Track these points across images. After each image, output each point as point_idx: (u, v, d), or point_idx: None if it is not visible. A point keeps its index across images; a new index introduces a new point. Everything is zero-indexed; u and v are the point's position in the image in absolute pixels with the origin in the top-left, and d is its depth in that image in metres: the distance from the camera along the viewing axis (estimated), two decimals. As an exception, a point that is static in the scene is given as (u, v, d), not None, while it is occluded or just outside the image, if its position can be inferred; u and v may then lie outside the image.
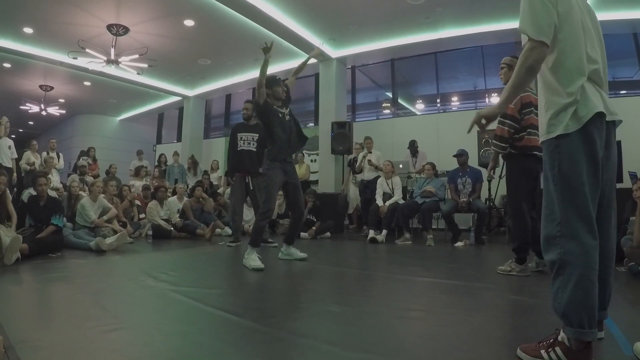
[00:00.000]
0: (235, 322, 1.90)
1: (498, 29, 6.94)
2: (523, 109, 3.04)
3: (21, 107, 11.51)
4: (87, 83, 10.62)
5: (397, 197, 5.76)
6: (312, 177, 8.50)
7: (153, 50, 7.99)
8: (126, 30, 7.27)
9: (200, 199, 6.50)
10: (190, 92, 11.21)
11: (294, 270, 3.48)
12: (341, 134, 7.83)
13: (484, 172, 5.67)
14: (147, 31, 7.42)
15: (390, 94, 9.26)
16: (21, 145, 7.42)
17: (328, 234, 6.18)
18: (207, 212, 6.53)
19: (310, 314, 2.10)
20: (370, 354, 1.50)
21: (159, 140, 13.38)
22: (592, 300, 1.33)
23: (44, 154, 7.43)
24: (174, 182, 8.21)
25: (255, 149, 4.81)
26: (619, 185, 1.62)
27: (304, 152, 9.10)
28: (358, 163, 6.76)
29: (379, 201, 5.76)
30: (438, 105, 8.95)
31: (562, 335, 1.40)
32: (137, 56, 7.75)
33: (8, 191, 4.26)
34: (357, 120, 9.27)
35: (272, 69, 9.05)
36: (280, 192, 4.06)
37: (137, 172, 8.23)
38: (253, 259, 3.35)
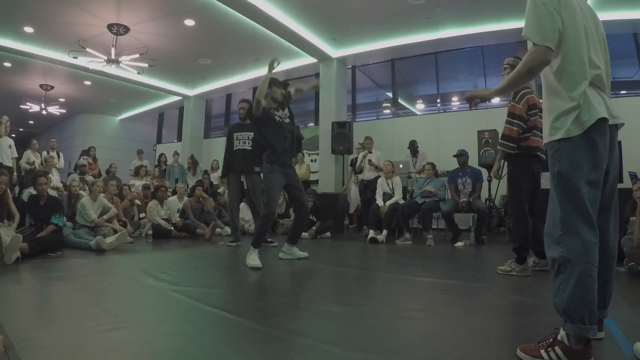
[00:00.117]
0: (235, 322, 1.90)
1: (498, 29, 6.94)
2: (529, 110, 3.09)
3: (21, 106, 11.51)
4: (87, 82, 10.62)
5: (397, 197, 5.76)
6: (312, 177, 8.51)
7: (153, 50, 7.99)
8: (126, 29, 7.27)
9: (201, 199, 6.50)
10: (191, 92, 11.21)
11: (294, 270, 3.48)
12: (341, 133, 7.83)
13: (484, 172, 5.68)
14: (148, 31, 7.42)
15: (390, 94, 9.26)
16: (21, 144, 7.43)
17: (328, 233, 6.18)
18: (207, 212, 6.53)
19: (310, 313, 2.10)
20: (370, 353, 1.50)
21: (159, 140, 13.38)
22: (593, 296, 1.36)
23: (44, 153, 7.43)
24: (174, 181, 8.21)
25: (250, 148, 4.80)
26: (619, 186, 1.63)
27: (304, 152, 9.10)
28: (358, 163, 6.77)
29: (379, 201, 5.76)
30: (438, 105, 8.95)
31: (561, 334, 1.41)
32: (137, 56, 7.75)
33: (9, 191, 4.26)
34: (357, 120, 9.27)
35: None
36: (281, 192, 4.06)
37: (137, 172, 8.23)
38: (252, 258, 3.37)
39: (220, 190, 7.44)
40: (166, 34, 7.56)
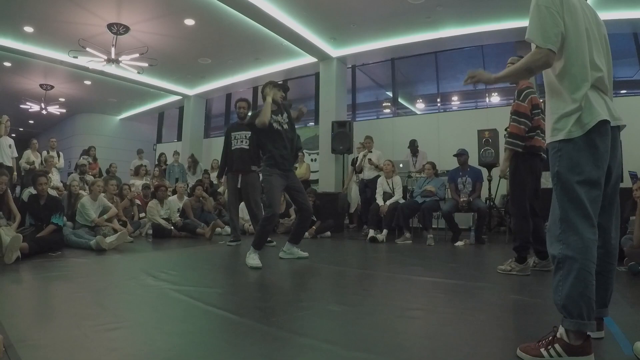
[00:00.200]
0: (235, 321, 1.90)
1: (498, 29, 6.93)
2: (533, 110, 3.09)
3: (21, 106, 11.51)
4: (87, 82, 10.62)
5: (398, 196, 5.76)
6: (313, 177, 8.50)
7: (153, 50, 7.99)
8: (127, 29, 7.27)
9: (201, 198, 6.50)
10: (191, 91, 11.21)
11: (294, 269, 3.48)
12: (341, 133, 7.83)
13: (484, 172, 5.68)
14: (148, 30, 7.42)
15: (390, 94, 9.26)
16: (21, 144, 7.43)
17: (328, 233, 6.18)
18: (207, 211, 6.54)
19: (311, 313, 2.10)
20: (370, 353, 1.50)
21: (159, 140, 13.37)
22: (591, 292, 1.39)
23: (44, 153, 7.43)
24: (175, 181, 8.21)
25: (247, 147, 4.79)
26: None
27: (304, 151, 9.10)
28: (358, 162, 6.77)
29: (379, 201, 5.76)
30: (438, 104, 8.94)
31: (560, 332, 1.43)
32: (137, 55, 7.75)
33: (9, 191, 4.26)
34: (357, 119, 9.26)
35: (271, 69, 9.16)
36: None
37: (137, 171, 8.23)
38: (252, 258, 3.37)
39: (220, 189, 7.44)
40: (166, 33, 7.56)
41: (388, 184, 5.87)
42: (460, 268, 3.61)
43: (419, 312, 2.15)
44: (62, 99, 12.01)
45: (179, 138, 12.08)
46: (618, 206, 1.61)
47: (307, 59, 8.55)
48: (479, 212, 5.18)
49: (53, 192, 5.03)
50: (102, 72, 9.09)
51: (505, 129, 5.78)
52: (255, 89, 10.50)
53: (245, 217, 6.31)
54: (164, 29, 7.41)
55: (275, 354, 1.51)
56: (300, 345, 1.60)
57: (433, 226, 5.55)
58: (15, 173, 6.63)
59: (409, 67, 9.14)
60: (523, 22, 6.09)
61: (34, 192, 4.38)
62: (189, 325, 1.85)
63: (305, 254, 3.87)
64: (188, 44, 8.00)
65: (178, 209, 6.25)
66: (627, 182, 4.53)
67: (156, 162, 9.61)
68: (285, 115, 3.75)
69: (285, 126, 3.71)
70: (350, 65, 9.17)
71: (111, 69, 8.47)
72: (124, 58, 7.78)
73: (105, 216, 5.00)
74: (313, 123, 9.63)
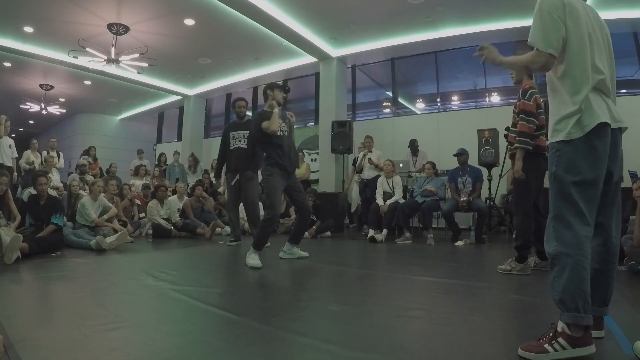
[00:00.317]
0: (235, 321, 1.90)
1: (498, 28, 6.93)
2: (537, 109, 3.09)
3: (21, 106, 11.50)
4: (87, 82, 10.61)
5: (398, 196, 5.76)
6: (312, 177, 8.50)
7: (153, 49, 7.98)
8: (126, 29, 7.26)
9: (201, 198, 6.50)
10: (191, 91, 11.20)
11: (294, 269, 3.48)
12: (341, 133, 7.83)
13: (484, 171, 5.68)
14: (148, 30, 7.42)
15: (390, 93, 9.25)
16: (21, 144, 7.42)
17: (328, 233, 6.18)
18: (207, 211, 6.53)
19: (310, 312, 2.10)
20: (370, 352, 1.50)
21: (159, 140, 13.37)
22: (586, 286, 1.44)
23: (44, 153, 7.43)
24: (175, 181, 8.21)
25: (245, 146, 4.78)
26: (619, 185, 1.67)
27: (304, 151, 9.10)
28: (358, 162, 6.77)
29: (379, 200, 5.76)
30: (438, 104, 8.94)
31: (561, 326, 1.45)
32: (137, 55, 7.74)
33: (9, 192, 4.25)
34: (357, 119, 9.26)
35: (271, 69, 9.17)
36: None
37: (137, 171, 8.23)
38: (252, 258, 3.37)
39: (220, 189, 7.45)
40: (166, 33, 7.55)
41: (388, 184, 5.87)
42: (460, 268, 3.62)
43: (419, 312, 2.15)
44: (62, 99, 12.00)
45: (179, 138, 12.07)
46: (619, 206, 1.65)
47: (307, 59, 8.55)
48: (479, 211, 5.18)
49: (53, 192, 5.03)
50: (102, 72, 9.08)
51: (505, 129, 5.82)
52: (255, 89, 10.50)
53: (245, 217, 6.31)
54: (164, 29, 7.41)
55: (275, 354, 1.51)
56: (300, 345, 1.60)
57: (433, 226, 5.55)
58: (15, 173, 6.63)
59: (409, 66, 9.13)
60: (523, 22, 6.09)
61: (34, 192, 4.38)
62: (189, 325, 1.85)
63: (305, 254, 3.87)
64: (188, 44, 8.00)
65: (178, 209, 6.25)
66: (627, 182, 4.53)
67: (156, 162, 9.61)
68: (286, 121, 3.77)
69: (286, 133, 3.74)
70: (350, 65, 9.16)
71: (111, 69, 8.46)
72: (123, 58, 7.77)
73: (105, 216, 5.00)
74: (313, 123, 9.63)
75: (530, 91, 3.10)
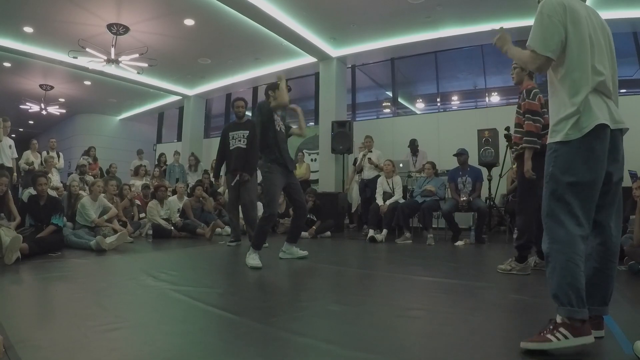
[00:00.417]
0: (235, 321, 1.90)
1: (498, 28, 6.92)
2: (542, 108, 3.09)
3: (21, 106, 11.50)
4: (87, 82, 10.61)
5: (398, 196, 5.76)
6: (312, 177, 8.50)
7: (153, 50, 7.99)
8: (126, 29, 7.26)
9: (201, 199, 6.50)
10: (191, 92, 11.20)
11: (294, 269, 3.48)
12: (341, 133, 7.83)
13: (484, 171, 5.68)
14: (147, 30, 7.42)
15: (390, 93, 9.25)
16: (21, 144, 7.42)
17: (328, 233, 6.18)
18: (207, 212, 6.53)
19: (311, 313, 2.10)
20: (370, 352, 1.50)
21: (159, 140, 13.37)
22: (579, 282, 1.48)
23: (44, 153, 7.42)
24: (175, 181, 8.21)
25: (245, 146, 4.78)
26: (617, 184, 1.68)
27: (304, 151, 9.11)
28: (358, 162, 6.77)
29: (379, 200, 5.76)
30: (438, 104, 8.94)
31: (560, 318, 1.49)
32: (137, 55, 7.75)
33: (10, 193, 4.25)
34: (357, 119, 9.26)
35: (271, 69, 9.16)
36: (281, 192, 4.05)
37: (137, 172, 8.23)
38: (252, 258, 3.37)
39: (220, 189, 7.45)
40: (166, 33, 7.55)
41: (388, 184, 5.87)
42: (460, 268, 3.62)
43: (419, 312, 2.15)
44: (62, 100, 12.01)
45: (179, 138, 12.07)
46: (620, 206, 1.67)
47: (307, 59, 8.55)
48: (479, 211, 5.18)
49: (53, 193, 5.03)
50: (101, 73, 9.09)
51: (505, 129, 5.82)
52: (255, 89, 10.50)
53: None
54: (163, 29, 7.41)
55: (275, 354, 1.51)
56: (300, 345, 1.60)
57: (433, 226, 5.55)
58: (15, 174, 6.63)
59: (409, 66, 9.14)
60: (523, 22, 6.08)
61: (34, 192, 4.37)
62: (189, 326, 1.85)
63: (305, 253, 3.87)
64: (188, 44, 8.00)
65: (178, 209, 6.25)
66: (627, 182, 4.52)
67: (156, 163, 9.61)
68: (285, 127, 3.85)
69: (283, 129, 3.78)
70: (350, 65, 9.17)
71: (111, 69, 8.46)
72: (123, 58, 7.77)
73: (105, 216, 4.99)
74: (313, 123, 9.64)
75: (534, 91, 3.11)
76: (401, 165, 6.73)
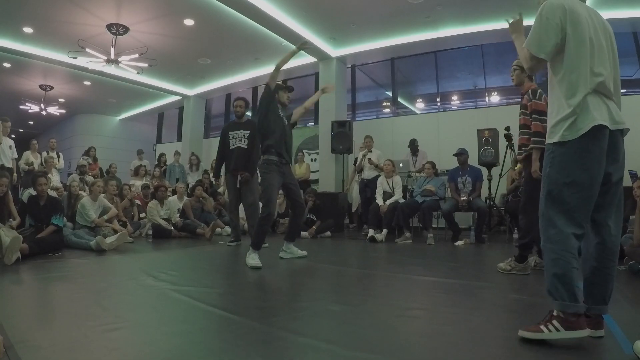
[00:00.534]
0: (236, 321, 1.90)
1: (498, 28, 6.92)
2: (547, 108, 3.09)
3: (21, 106, 11.50)
4: (87, 82, 10.61)
5: (398, 196, 5.76)
6: (312, 177, 8.50)
7: (153, 50, 7.99)
8: (126, 29, 7.26)
9: (201, 199, 6.50)
10: (190, 92, 11.20)
11: (294, 269, 3.48)
12: (341, 133, 7.83)
13: (484, 171, 5.69)
14: (147, 30, 7.42)
15: (390, 93, 9.25)
16: (21, 145, 7.42)
17: (328, 233, 6.18)
18: (207, 212, 6.53)
19: (311, 313, 2.10)
20: (370, 352, 1.50)
21: (159, 140, 13.37)
22: (570, 278, 1.53)
23: (44, 153, 7.42)
24: (175, 181, 8.21)
25: (245, 146, 4.77)
26: (617, 184, 1.69)
27: (304, 151, 9.11)
28: (358, 162, 6.77)
29: (379, 200, 5.76)
30: (438, 104, 8.94)
31: (555, 311, 1.56)
32: (137, 55, 7.74)
33: (10, 193, 4.25)
34: (357, 119, 9.26)
35: (271, 69, 9.05)
36: (280, 192, 4.06)
37: (137, 172, 8.23)
38: (252, 258, 3.38)
39: (220, 189, 7.45)
40: (166, 33, 7.55)
41: (388, 184, 5.87)
42: (460, 267, 3.61)
43: (419, 312, 2.15)
44: (61, 100, 12.00)
45: (179, 138, 12.07)
46: (620, 205, 1.68)
47: (307, 59, 8.55)
48: (479, 211, 5.18)
49: (53, 193, 5.03)
50: (101, 73, 9.08)
51: (505, 129, 5.80)
52: (255, 89, 10.50)
53: (245, 217, 6.31)
54: (163, 29, 7.41)
55: (275, 354, 1.51)
56: (300, 345, 1.60)
57: (433, 226, 5.55)
58: (15, 174, 6.62)
59: (409, 66, 9.14)
60: (523, 22, 6.08)
61: (34, 193, 4.37)
62: (189, 326, 1.85)
63: (304, 253, 3.88)
64: (188, 44, 8.00)
65: (178, 209, 6.25)
66: (627, 181, 4.52)
67: (156, 163, 9.61)
68: (289, 118, 3.85)
69: (285, 121, 3.78)
70: (349, 65, 9.17)
71: (111, 69, 8.46)
72: (123, 58, 7.77)
73: (105, 217, 4.99)
74: (313, 123, 9.64)
75: (539, 91, 3.11)
76: (401, 165, 6.73)
